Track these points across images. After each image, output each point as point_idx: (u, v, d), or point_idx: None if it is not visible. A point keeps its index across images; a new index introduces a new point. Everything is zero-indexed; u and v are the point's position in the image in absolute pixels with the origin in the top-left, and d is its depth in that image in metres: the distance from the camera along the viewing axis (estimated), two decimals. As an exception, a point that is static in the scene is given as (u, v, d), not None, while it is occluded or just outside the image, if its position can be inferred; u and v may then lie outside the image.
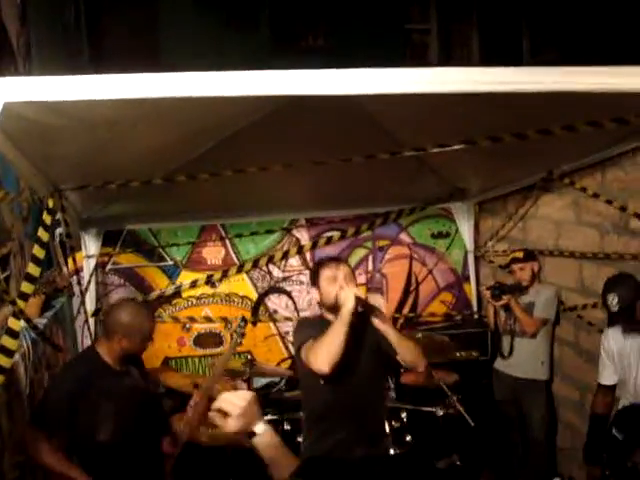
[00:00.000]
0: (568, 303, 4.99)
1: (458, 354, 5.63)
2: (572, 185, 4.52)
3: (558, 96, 2.74)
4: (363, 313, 3.24)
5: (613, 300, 3.71)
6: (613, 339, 3.86)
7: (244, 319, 3.73)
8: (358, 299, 3.16)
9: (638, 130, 3.78)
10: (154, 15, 10.52)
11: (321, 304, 3.49)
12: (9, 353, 2.77)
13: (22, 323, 3.33)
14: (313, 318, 3.69)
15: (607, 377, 3.91)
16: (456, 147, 3.42)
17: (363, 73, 2.48)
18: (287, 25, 12.04)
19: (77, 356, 4.53)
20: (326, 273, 3.41)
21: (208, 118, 3.36)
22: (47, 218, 3.34)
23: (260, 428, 1.87)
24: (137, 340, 3.32)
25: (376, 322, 3.27)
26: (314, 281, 3.51)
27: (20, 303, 3.03)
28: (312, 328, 3.36)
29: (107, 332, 3.36)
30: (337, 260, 3.65)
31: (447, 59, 12.86)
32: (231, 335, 3.67)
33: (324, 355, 3.08)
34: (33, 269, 3.14)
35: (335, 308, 3.23)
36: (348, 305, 3.12)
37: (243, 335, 3.69)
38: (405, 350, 3.29)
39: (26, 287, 3.10)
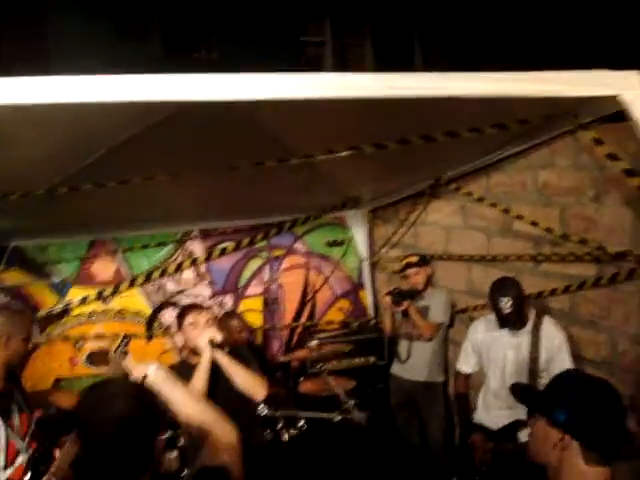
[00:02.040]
0: (459, 305, 5.13)
1: (356, 360, 5.70)
2: (458, 190, 4.66)
3: (442, 102, 2.82)
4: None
5: (507, 303, 3.86)
6: (482, 332, 4.20)
7: (126, 336, 3.65)
8: (212, 342, 3.46)
9: (518, 135, 3.95)
10: (44, 23, 10.20)
11: (185, 348, 3.73)
12: None
13: None
14: (177, 365, 3.74)
15: (468, 365, 4.34)
16: (342, 154, 3.46)
17: (250, 78, 2.49)
18: (179, 36, 11.88)
19: None
20: (188, 319, 3.66)
21: (94, 126, 3.25)
22: None
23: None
24: (18, 347, 3.21)
25: (218, 357, 3.49)
26: (179, 326, 3.73)
27: None
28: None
29: None
30: (199, 307, 3.90)
31: (342, 71, 13.01)
32: (115, 354, 3.56)
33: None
34: None
35: (197, 352, 3.51)
36: (206, 353, 3.43)
37: (126, 354, 3.61)
38: (240, 381, 3.50)
39: None
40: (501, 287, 3.96)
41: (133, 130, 3.55)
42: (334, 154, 3.50)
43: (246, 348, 4.25)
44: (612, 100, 3.04)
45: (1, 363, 3.20)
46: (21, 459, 3.16)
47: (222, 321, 4.77)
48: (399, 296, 4.98)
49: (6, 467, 3.09)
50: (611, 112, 3.28)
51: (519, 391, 2.32)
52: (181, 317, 3.73)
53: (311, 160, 3.73)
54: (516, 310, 3.88)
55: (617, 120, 3.27)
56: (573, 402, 1.97)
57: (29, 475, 3.08)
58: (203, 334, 3.50)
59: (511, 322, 3.93)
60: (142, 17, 11.35)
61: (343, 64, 13.54)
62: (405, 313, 5.01)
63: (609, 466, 1.93)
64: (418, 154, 3.87)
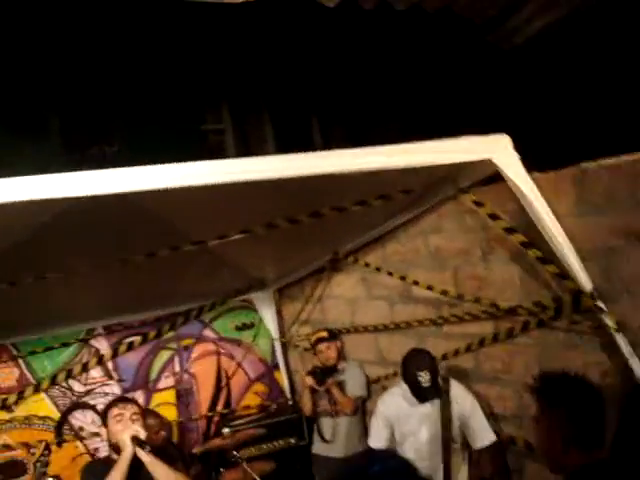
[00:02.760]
0: (371, 375, 5.15)
1: (275, 443, 5.61)
2: (356, 262, 4.76)
3: (328, 179, 2.91)
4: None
5: (425, 377, 3.79)
6: (394, 407, 4.10)
7: (47, 446, 3.54)
8: (135, 439, 3.35)
9: (406, 204, 4.10)
10: None
11: (109, 444, 3.56)
12: None
13: None
14: (99, 461, 3.65)
15: (380, 441, 4.18)
16: (234, 237, 3.50)
17: (146, 170, 2.53)
18: (78, 132, 11.80)
19: None
20: (113, 412, 3.54)
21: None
22: None
23: None
24: None
25: (141, 455, 3.38)
26: (103, 422, 3.61)
27: None
28: (94, 476, 3.40)
29: None
30: (125, 400, 3.82)
31: (245, 155, 13.15)
32: (34, 465, 3.44)
33: None
34: None
35: (118, 449, 3.40)
36: (128, 448, 3.33)
37: (47, 464, 3.51)
38: None
39: None
40: (416, 361, 3.88)
41: (22, 231, 3.51)
42: (226, 238, 3.53)
43: (171, 446, 4.15)
44: (486, 163, 3.22)
45: None
46: None
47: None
48: (321, 374, 4.97)
49: None
50: (487, 174, 3.44)
51: None
52: (106, 410, 3.61)
53: (204, 246, 3.75)
54: (433, 381, 3.83)
55: (495, 181, 3.44)
56: None
57: None
58: (127, 430, 3.40)
59: (430, 394, 3.86)
60: (39, 116, 11.21)
61: (245, 149, 13.69)
62: (327, 390, 4.99)
63: None
64: (313, 231, 3.95)
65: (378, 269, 4.57)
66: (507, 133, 3.26)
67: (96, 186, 2.50)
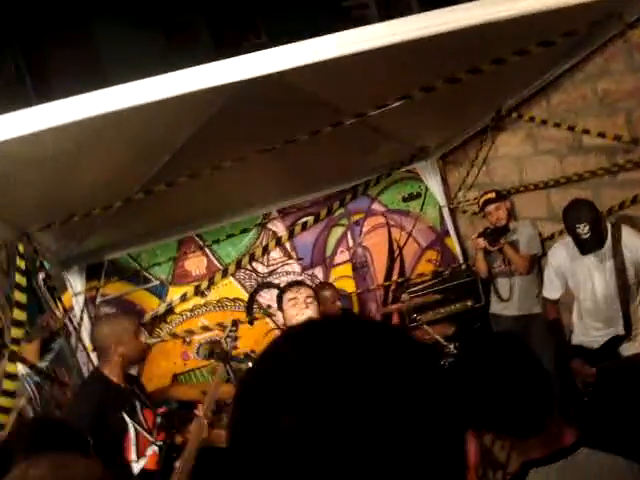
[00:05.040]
0: (544, 233, 5.08)
1: (452, 307, 5.73)
2: (520, 118, 4.61)
3: (485, 30, 2.83)
4: None
5: (584, 228, 3.76)
6: (563, 258, 4.12)
7: (235, 323, 3.82)
8: None
9: (568, 50, 3.89)
10: (93, 46, 10.48)
11: (285, 327, 3.75)
12: (10, 394, 2.85)
13: (21, 368, 3.41)
14: None
15: (554, 291, 4.27)
16: (393, 105, 3.50)
17: (297, 46, 2.60)
18: (227, 29, 12.01)
19: (85, 382, 4.54)
20: (288, 296, 3.69)
21: (156, 130, 3.42)
22: (21, 263, 3.42)
23: None
24: (131, 343, 3.43)
25: None
26: (279, 305, 3.81)
27: (13, 347, 3.11)
28: None
29: (102, 350, 3.46)
30: (299, 283, 3.93)
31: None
32: (225, 341, 3.75)
33: None
34: (18, 314, 3.24)
35: None
36: None
37: (236, 339, 3.79)
38: None
39: (15, 332, 3.18)
40: (575, 213, 3.83)
41: (194, 126, 3.71)
42: (386, 107, 3.54)
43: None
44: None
45: (118, 367, 3.44)
46: (152, 450, 3.39)
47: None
48: (493, 235, 4.98)
49: (139, 458, 3.32)
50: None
51: None
52: (281, 295, 3.79)
53: (365, 118, 3.77)
54: (594, 233, 3.76)
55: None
56: None
57: (162, 463, 3.31)
58: (302, 314, 3.54)
59: (591, 246, 3.81)
60: (187, 18, 11.50)
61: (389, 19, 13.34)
62: (499, 250, 5.01)
63: None
64: (472, 89, 3.86)
65: (544, 122, 4.41)
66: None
67: (258, 66, 2.60)
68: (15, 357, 3.10)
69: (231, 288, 5.95)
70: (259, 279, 6.01)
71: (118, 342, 3.39)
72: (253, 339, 5.78)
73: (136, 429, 3.35)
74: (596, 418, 3.63)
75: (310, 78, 3.34)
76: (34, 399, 3.80)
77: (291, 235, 5.97)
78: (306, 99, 3.86)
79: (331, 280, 6.01)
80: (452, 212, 6.39)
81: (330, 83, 3.50)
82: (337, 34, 2.69)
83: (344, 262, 6.16)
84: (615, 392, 3.56)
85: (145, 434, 3.39)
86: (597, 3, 3.01)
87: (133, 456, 3.29)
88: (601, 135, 3.94)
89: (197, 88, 2.52)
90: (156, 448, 3.39)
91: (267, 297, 6.02)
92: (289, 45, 2.63)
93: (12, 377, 2.96)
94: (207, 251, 5.88)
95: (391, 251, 6.33)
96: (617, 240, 3.80)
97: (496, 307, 5.32)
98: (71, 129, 2.44)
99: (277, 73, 2.66)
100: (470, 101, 4.40)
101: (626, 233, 3.83)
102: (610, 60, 3.89)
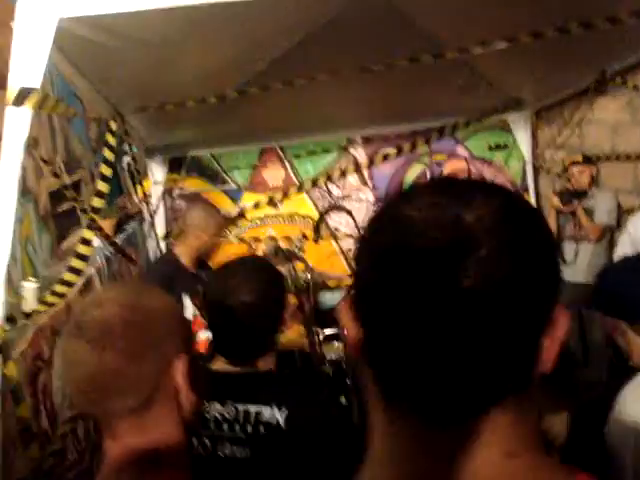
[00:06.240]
0: (626, 205, 4.99)
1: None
2: (625, 84, 4.48)
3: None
4: None
5: None
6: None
7: (304, 235, 3.94)
8: None
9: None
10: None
11: None
12: (83, 258, 3.01)
13: (95, 240, 3.60)
14: None
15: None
16: (499, 46, 3.44)
17: None
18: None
19: (157, 260, 4.79)
20: None
21: (261, 31, 3.47)
22: (110, 139, 3.57)
23: None
24: (212, 235, 3.62)
25: None
26: None
27: (92, 215, 3.28)
28: None
29: (184, 232, 3.67)
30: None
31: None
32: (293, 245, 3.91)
33: None
34: (102, 186, 3.39)
35: None
36: None
37: (302, 249, 3.92)
38: None
39: (96, 202, 3.35)
40: None
41: (298, 34, 3.75)
42: (489, 47, 3.49)
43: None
44: None
45: (194, 251, 3.63)
46: (205, 335, 3.57)
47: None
48: (569, 196, 4.93)
49: (191, 339, 3.50)
50: None
51: None
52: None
53: (467, 56, 3.73)
54: None
55: None
56: None
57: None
58: None
59: None
60: None
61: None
62: (572, 214, 4.95)
63: None
64: (580, 45, 3.76)
65: (649, 91, 4.29)
66: None
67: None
68: (93, 225, 3.26)
69: (304, 204, 6.06)
70: (332, 201, 6.09)
71: (203, 229, 3.59)
72: (316, 258, 5.91)
73: (194, 312, 3.53)
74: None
75: (418, 5, 3.34)
76: (102, 271, 4.02)
77: (371, 163, 5.99)
78: (411, 26, 3.85)
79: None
80: (536, 170, 6.28)
81: (436, 12, 3.47)
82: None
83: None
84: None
85: (201, 318, 3.57)
86: None
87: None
88: None
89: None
90: (210, 334, 3.57)
91: (336, 220, 6.09)
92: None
93: (87, 243, 3.11)
94: (287, 164, 5.98)
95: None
96: None
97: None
98: (179, 13, 2.51)
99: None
100: (576, 58, 4.28)
101: None
102: None
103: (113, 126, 3.67)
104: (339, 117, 5.45)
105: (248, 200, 5.95)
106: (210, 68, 3.79)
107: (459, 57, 3.74)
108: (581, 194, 4.98)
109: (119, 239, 4.73)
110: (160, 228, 5.59)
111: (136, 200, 5.37)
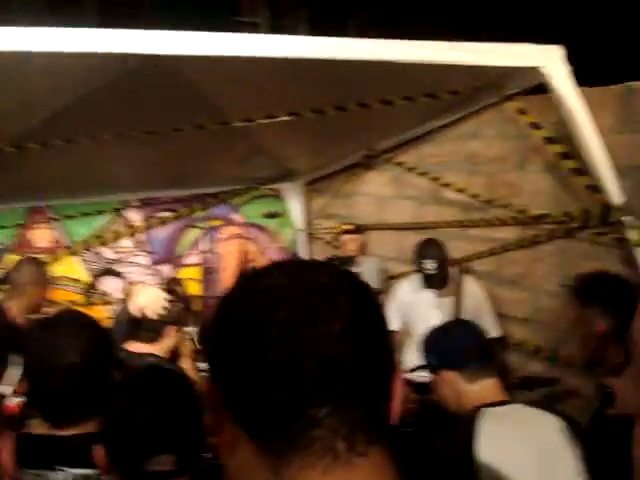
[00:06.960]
0: (392, 271, 5.33)
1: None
2: (390, 160, 4.86)
3: (378, 69, 2.99)
4: None
5: (431, 264, 4.09)
6: (407, 292, 4.40)
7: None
8: None
9: (448, 107, 4.17)
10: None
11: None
12: None
13: None
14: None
15: (393, 323, 4.37)
16: (282, 118, 3.59)
17: (177, 35, 2.64)
18: (112, 15, 11.73)
19: None
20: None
21: (41, 87, 3.31)
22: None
23: None
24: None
25: None
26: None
27: None
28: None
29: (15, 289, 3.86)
30: None
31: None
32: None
33: None
34: None
35: None
36: None
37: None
38: None
39: None
40: (425, 249, 4.19)
41: (78, 92, 3.62)
42: (273, 118, 3.63)
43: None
44: (534, 72, 3.29)
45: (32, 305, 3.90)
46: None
47: (168, 286, 4.82)
48: (339, 262, 5.15)
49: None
50: (533, 84, 3.53)
51: None
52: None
53: (250, 127, 3.84)
54: (439, 271, 4.11)
55: (539, 92, 3.52)
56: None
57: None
58: None
59: (434, 282, 4.15)
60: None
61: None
62: None
63: None
64: (353, 122, 4.04)
65: (411, 169, 4.68)
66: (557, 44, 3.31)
67: (151, 44, 2.62)
68: None
69: (73, 268, 5.74)
70: (104, 264, 5.84)
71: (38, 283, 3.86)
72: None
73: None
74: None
75: (200, 72, 3.38)
76: None
77: (147, 227, 5.87)
78: (194, 93, 3.87)
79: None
80: (308, 237, 6.53)
81: (227, 85, 3.54)
82: (230, 34, 2.76)
83: (194, 264, 6.14)
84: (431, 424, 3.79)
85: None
86: (483, 70, 3.29)
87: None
88: (460, 191, 4.24)
89: (85, 50, 2.50)
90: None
91: (108, 284, 5.85)
92: (184, 32, 2.67)
93: None
94: (57, 225, 5.64)
95: (241, 263, 6.36)
96: (458, 284, 4.14)
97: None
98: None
99: (168, 57, 2.70)
100: (348, 135, 4.59)
101: (469, 281, 4.18)
102: (483, 124, 4.22)
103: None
104: (116, 179, 5.29)
105: (12, 261, 5.51)
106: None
107: (243, 127, 3.84)
108: (349, 260, 5.24)
109: None
110: None
111: None
